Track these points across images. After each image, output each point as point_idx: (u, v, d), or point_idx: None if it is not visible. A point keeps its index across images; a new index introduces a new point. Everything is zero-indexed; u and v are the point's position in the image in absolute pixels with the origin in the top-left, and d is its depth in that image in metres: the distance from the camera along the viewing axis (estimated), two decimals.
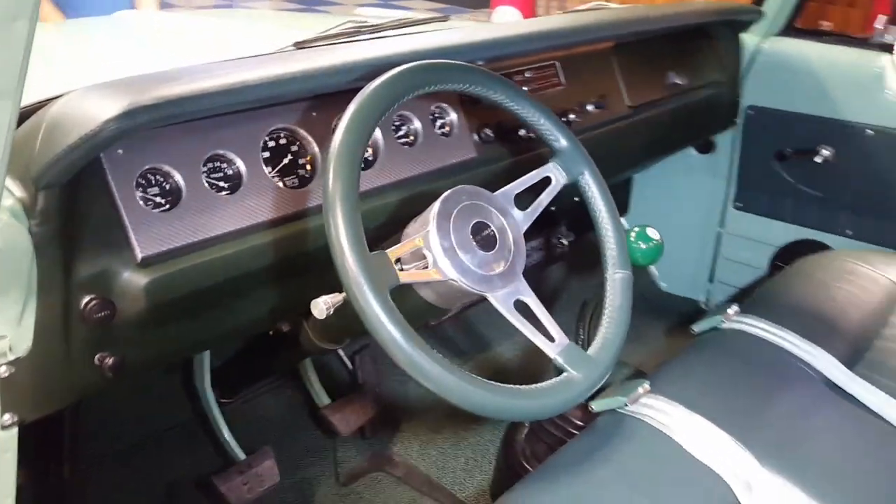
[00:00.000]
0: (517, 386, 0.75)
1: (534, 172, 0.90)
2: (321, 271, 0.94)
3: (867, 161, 1.66)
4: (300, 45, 1.14)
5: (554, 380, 0.79)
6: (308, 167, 0.95)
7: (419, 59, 0.84)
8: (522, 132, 1.17)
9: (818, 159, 1.70)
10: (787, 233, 1.85)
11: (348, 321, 0.75)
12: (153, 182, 0.81)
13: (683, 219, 2.02)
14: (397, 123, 1.07)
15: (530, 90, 1.23)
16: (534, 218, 0.88)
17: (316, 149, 0.95)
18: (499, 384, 0.73)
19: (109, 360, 0.78)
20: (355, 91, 0.79)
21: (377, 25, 1.30)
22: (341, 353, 1.63)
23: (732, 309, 1.35)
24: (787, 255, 1.85)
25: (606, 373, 0.84)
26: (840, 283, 1.46)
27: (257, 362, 1.37)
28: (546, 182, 0.92)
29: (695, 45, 1.67)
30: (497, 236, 0.81)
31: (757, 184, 1.87)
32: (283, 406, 1.62)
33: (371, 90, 0.77)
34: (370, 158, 1.01)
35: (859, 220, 1.72)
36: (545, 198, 0.90)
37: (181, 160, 0.83)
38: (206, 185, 0.85)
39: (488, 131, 1.14)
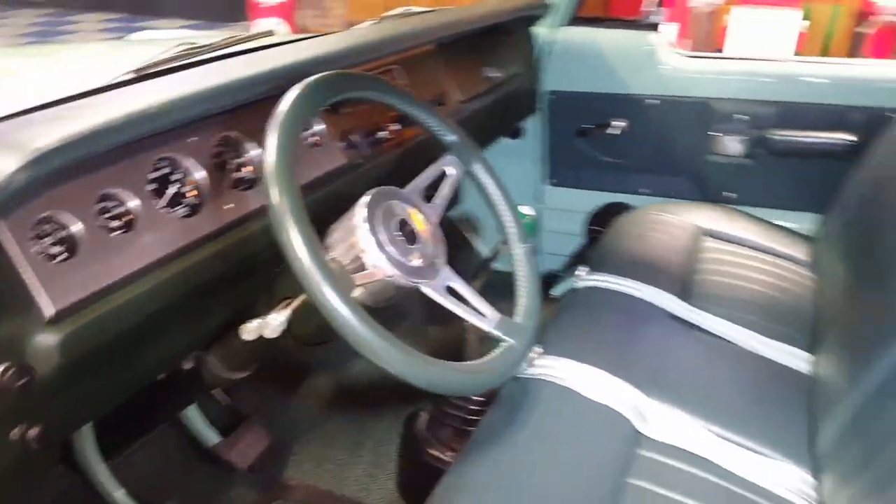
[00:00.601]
0: (473, 362, 0.82)
1: (432, 167, 0.97)
2: (230, 295, 0.92)
3: (654, 127, 1.92)
4: (141, 72, 1.09)
5: (498, 350, 0.87)
6: (195, 193, 0.92)
7: (312, 69, 0.86)
8: (381, 133, 1.22)
9: (615, 131, 1.94)
10: (596, 199, 2.08)
11: (271, 342, 0.76)
12: (47, 232, 0.75)
13: None
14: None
15: None
16: (442, 209, 0.95)
17: (202, 174, 0.93)
18: (461, 363, 0.80)
19: (33, 432, 0.71)
20: (227, 113, 0.79)
21: (210, 45, 1.28)
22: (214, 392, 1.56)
23: (582, 269, 1.52)
24: (599, 218, 2.08)
25: (535, 336, 0.93)
26: (655, 232, 1.69)
27: (142, 412, 1.27)
28: (444, 175, 0.99)
29: (499, 41, 1.82)
30: (418, 230, 0.86)
31: (565, 160, 2.08)
32: (170, 453, 1.52)
33: (292, 101, 0.79)
34: (251, 178, 1.00)
35: (655, 179, 1.99)
36: (447, 190, 0.98)
37: (72, 205, 0.77)
38: (101, 227, 0.80)
39: (353, 137, 1.17)
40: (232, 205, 0.95)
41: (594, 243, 1.78)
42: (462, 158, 1.01)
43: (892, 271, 1.22)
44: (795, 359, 1.35)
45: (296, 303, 0.82)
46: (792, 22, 4.04)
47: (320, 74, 0.84)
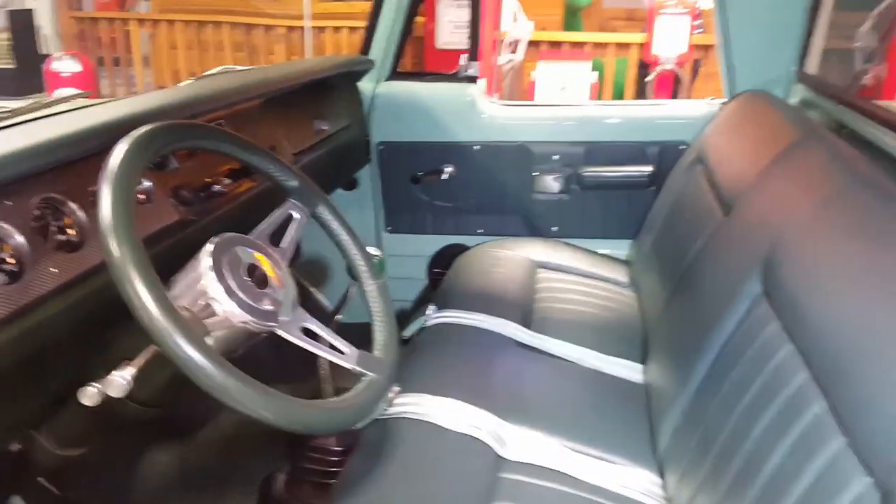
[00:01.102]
0: (337, 398, 0.81)
1: (277, 212, 0.97)
2: (62, 364, 0.85)
3: (480, 170, 2.04)
4: None
5: (361, 384, 0.87)
6: (13, 260, 0.85)
7: (135, 124, 0.83)
8: (216, 187, 1.20)
9: (445, 177, 2.03)
10: (435, 243, 2.16)
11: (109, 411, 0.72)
12: None
13: None
14: (91, 199, 1.01)
15: None
16: (291, 252, 0.95)
17: (20, 239, 0.85)
18: (328, 401, 0.79)
19: None
20: (49, 173, 0.76)
21: (17, 109, 1.20)
22: (42, 480, 1.40)
23: (430, 308, 1.57)
24: (439, 261, 2.16)
25: (396, 368, 0.94)
26: (494, 268, 1.78)
27: None
28: (290, 219, 0.99)
29: (328, 95, 1.85)
30: (268, 274, 0.85)
31: (400, 207, 2.14)
32: None
33: (125, 150, 0.76)
34: (76, 240, 0.94)
35: (488, 219, 2.10)
36: (294, 233, 0.97)
37: None
38: None
39: (184, 193, 1.14)
40: (56, 270, 0.88)
41: (438, 285, 1.83)
42: (305, 202, 1.02)
43: (694, 281, 1.38)
44: (631, 371, 1.47)
45: (141, 358, 0.77)
46: (585, 73, 4.49)
47: (154, 124, 0.82)
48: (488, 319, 1.52)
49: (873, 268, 0.81)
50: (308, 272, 2.14)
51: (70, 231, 0.93)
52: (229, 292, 0.79)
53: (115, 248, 0.70)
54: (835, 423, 0.73)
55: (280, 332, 0.83)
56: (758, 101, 1.67)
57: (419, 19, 4.32)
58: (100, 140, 0.92)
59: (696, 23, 4.40)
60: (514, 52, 4.39)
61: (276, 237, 0.96)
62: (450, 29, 4.16)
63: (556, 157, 1.99)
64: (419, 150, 2.03)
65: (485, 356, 1.41)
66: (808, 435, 0.76)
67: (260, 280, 0.85)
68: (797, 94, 1.76)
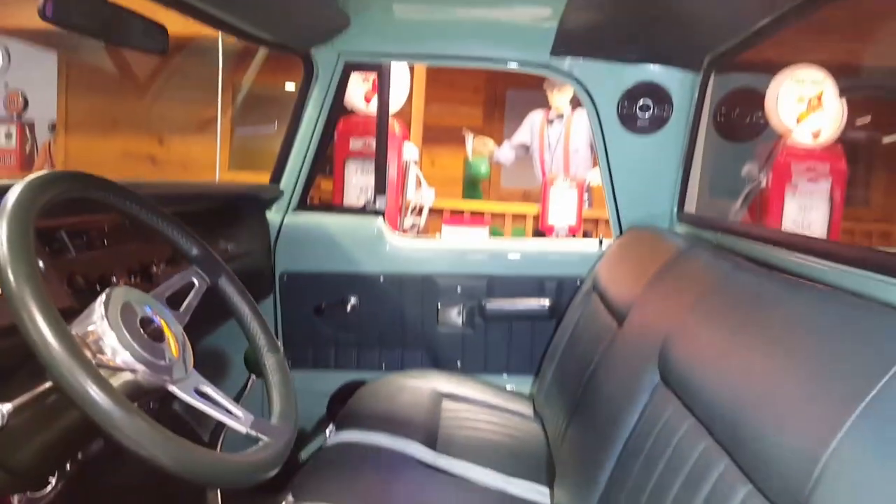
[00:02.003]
0: (238, 453, 0.75)
1: (177, 276, 0.94)
2: None
3: (384, 302, 2.04)
4: None
5: (257, 446, 0.81)
6: None
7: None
8: (114, 279, 1.15)
9: (348, 308, 2.02)
10: (336, 379, 2.09)
11: None
12: None
13: None
14: None
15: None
16: (188, 316, 0.91)
17: None
18: (225, 454, 0.73)
19: None
20: None
21: None
22: None
23: (329, 429, 1.49)
24: (340, 398, 2.07)
25: (293, 435, 0.88)
26: (399, 394, 1.74)
27: None
28: (191, 286, 0.96)
29: (236, 221, 1.85)
30: (163, 330, 0.81)
31: (301, 341, 2.08)
32: None
33: (21, 188, 0.74)
34: None
35: (389, 353, 2.07)
36: (193, 299, 0.95)
37: None
38: None
39: (79, 279, 1.08)
40: None
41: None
42: (208, 271, 1.00)
43: (595, 390, 1.39)
44: (537, 493, 1.42)
45: (23, 398, 0.71)
46: (482, 238, 4.72)
47: (59, 170, 0.81)
48: (391, 439, 1.46)
49: (748, 342, 0.90)
50: (205, 367, 2.01)
51: None
52: (123, 341, 0.76)
53: (12, 278, 0.67)
54: (740, 473, 0.75)
55: (173, 390, 0.79)
56: (643, 234, 1.81)
57: (326, 186, 4.49)
58: None
59: (585, 197, 4.78)
60: (418, 215, 4.59)
61: (173, 303, 0.92)
62: (356, 193, 4.33)
63: (459, 290, 2.03)
64: (323, 280, 2.03)
65: (386, 474, 1.34)
66: (717, 489, 0.77)
67: (154, 335, 0.81)
68: (680, 230, 1.92)
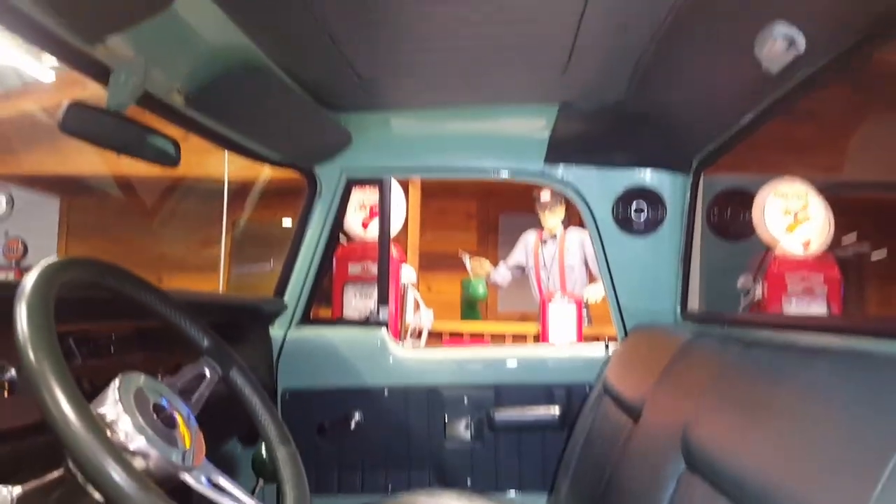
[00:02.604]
0: None
1: (189, 367, 0.94)
2: None
3: (389, 417, 1.98)
4: None
5: None
6: None
7: None
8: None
9: (352, 425, 1.96)
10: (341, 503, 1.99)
11: None
12: None
13: None
14: None
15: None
16: (199, 407, 0.91)
17: None
18: None
19: None
20: None
21: None
22: None
23: None
24: None
25: None
26: None
27: None
28: (202, 377, 0.97)
29: (238, 334, 1.84)
30: (176, 417, 0.79)
31: (303, 464, 2.00)
32: None
33: (43, 269, 0.75)
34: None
35: (396, 474, 1.99)
36: (205, 390, 0.95)
37: None
38: None
39: (87, 384, 1.06)
40: None
41: None
42: (219, 362, 0.99)
43: (617, 489, 1.33)
44: None
45: (33, 483, 0.68)
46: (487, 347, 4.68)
47: (76, 256, 0.82)
48: None
49: (769, 417, 0.90)
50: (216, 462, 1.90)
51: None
52: (136, 425, 0.76)
53: (32, 355, 0.67)
54: None
55: (186, 478, 0.77)
56: (648, 333, 1.79)
57: (325, 313, 4.48)
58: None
59: (584, 314, 4.78)
60: (417, 337, 4.55)
61: (185, 396, 0.91)
62: (355, 317, 4.33)
63: (466, 401, 1.98)
64: (326, 397, 1.98)
65: None
66: None
67: (166, 422, 0.81)
68: (684, 331, 1.91)
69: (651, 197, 1.97)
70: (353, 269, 4.00)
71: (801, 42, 1.19)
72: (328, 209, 2.00)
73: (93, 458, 0.64)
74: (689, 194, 1.96)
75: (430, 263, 6.35)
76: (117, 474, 0.64)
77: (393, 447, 1.99)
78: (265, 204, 6.32)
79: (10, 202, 7.39)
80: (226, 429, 1.69)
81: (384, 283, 2.10)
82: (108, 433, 0.74)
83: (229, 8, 1.26)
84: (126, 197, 6.79)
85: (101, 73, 1.25)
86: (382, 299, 2.06)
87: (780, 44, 1.23)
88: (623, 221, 1.97)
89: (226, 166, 4.88)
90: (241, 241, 6.76)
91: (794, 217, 4.00)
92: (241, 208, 6.23)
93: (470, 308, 5.12)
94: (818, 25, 1.13)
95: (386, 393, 1.98)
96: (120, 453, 0.66)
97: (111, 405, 0.76)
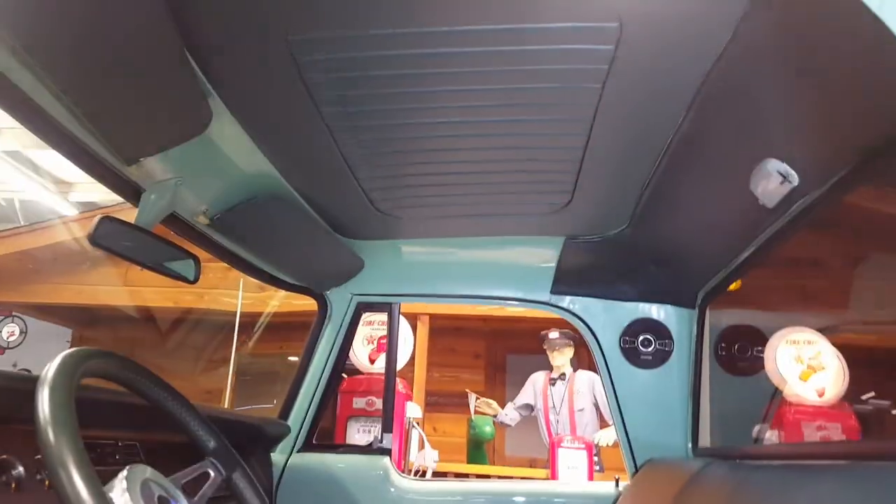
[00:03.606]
0: None
1: (194, 467, 0.94)
2: None
3: None
4: None
5: None
6: None
7: None
8: None
9: None
10: None
11: None
12: None
13: None
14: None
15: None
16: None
17: None
18: None
19: None
20: None
21: None
22: None
23: None
24: None
25: None
26: None
27: None
28: (206, 476, 0.98)
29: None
30: None
31: None
32: None
33: (65, 357, 0.78)
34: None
35: None
36: (208, 490, 0.95)
37: None
38: None
39: None
40: None
41: None
42: (223, 464, 0.98)
43: None
44: None
45: None
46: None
47: (94, 348, 0.84)
48: None
49: None
50: None
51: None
52: None
53: (52, 437, 0.70)
54: None
55: None
56: (659, 467, 1.75)
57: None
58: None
59: (595, 459, 4.63)
60: (421, 477, 4.40)
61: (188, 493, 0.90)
62: (358, 433, 4.23)
63: None
64: None
65: None
66: None
67: None
68: (695, 462, 1.86)
69: (658, 330, 1.99)
70: (358, 402, 3.95)
71: (794, 175, 1.25)
72: (337, 332, 2.03)
73: None
74: (695, 328, 1.98)
75: (437, 403, 6.25)
76: None
77: None
78: (268, 337, 6.35)
79: (24, 331, 7.46)
80: None
81: (389, 409, 2.08)
82: None
83: (259, 137, 1.36)
84: (137, 328, 6.85)
85: (132, 193, 1.33)
86: (387, 427, 2.03)
87: (773, 178, 1.30)
88: (630, 353, 1.98)
89: (239, 297, 4.97)
90: (244, 377, 6.73)
91: (806, 365, 3.97)
92: (245, 339, 6.26)
93: (476, 450, 4.98)
94: (809, 159, 1.20)
95: None
96: None
97: (118, 493, 0.77)
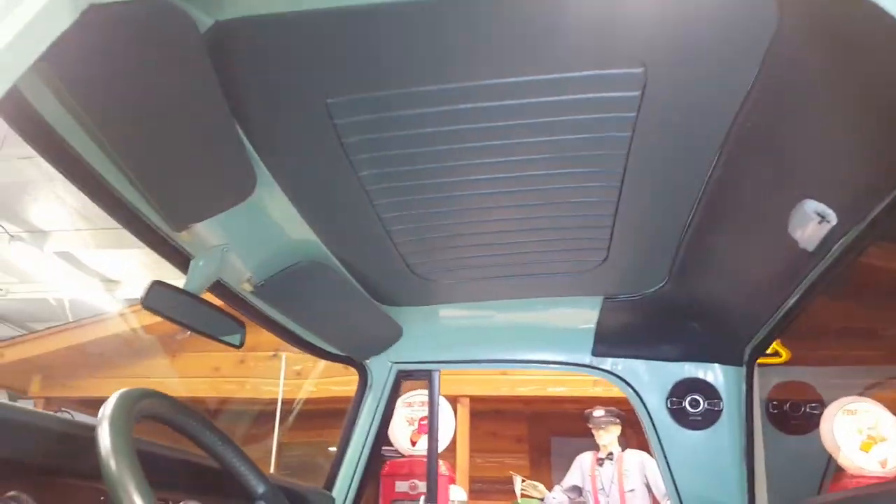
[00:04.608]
0: None
1: None
2: None
3: None
4: None
5: None
6: None
7: None
8: None
9: None
10: None
11: None
12: None
13: None
14: None
15: None
16: None
17: None
18: None
19: None
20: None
21: None
22: None
23: None
24: None
25: None
26: None
27: None
28: None
29: None
30: None
31: None
32: None
33: (122, 394, 0.80)
34: None
35: None
36: None
37: None
38: None
39: None
40: None
41: None
42: None
43: None
44: None
45: None
46: None
47: (149, 389, 0.87)
48: None
49: None
50: None
51: None
52: None
53: (114, 465, 0.73)
54: None
55: None
56: None
57: None
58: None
59: None
60: None
61: None
62: None
63: None
64: None
65: None
66: None
67: None
68: None
69: (706, 389, 1.94)
70: (400, 486, 3.87)
71: (832, 214, 1.24)
72: (378, 400, 2.02)
73: None
74: (744, 386, 1.92)
75: (480, 490, 6.06)
76: None
77: None
78: (306, 425, 6.30)
79: None
80: None
81: (433, 484, 2.04)
82: None
83: (300, 202, 1.42)
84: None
85: (181, 260, 1.38)
86: (431, 500, 1.99)
87: (812, 220, 1.29)
88: (678, 414, 1.93)
89: (281, 380, 4.99)
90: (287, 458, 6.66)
91: (866, 435, 3.81)
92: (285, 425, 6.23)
93: None
94: (845, 195, 1.20)
95: None
96: None
97: None
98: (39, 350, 6.74)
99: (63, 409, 6.96)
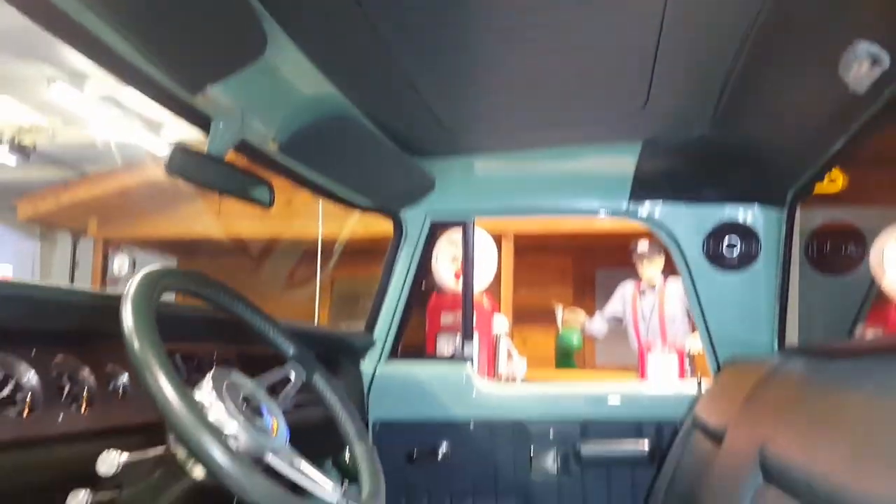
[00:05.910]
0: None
1: (275, 370, 1.03)
2: None
3: (475, 450, 1.98)
4: None
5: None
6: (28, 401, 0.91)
7: None
8: None
9: (439, 457, 1.97)
10: None
11: None
12: None
13: None
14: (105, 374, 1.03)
15: None
16: (286, 405, 1.02)
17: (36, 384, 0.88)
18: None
19: None
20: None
21: None
22: None
23: None
24: None
25: None
26: None
27: None
28: (288, 379, 1.08)
29: (332, 368, 1.89)
30: (263, 407, 0.91)
31: (394, 491, 2.01)
32: None
33: (149, 272, 0.85)
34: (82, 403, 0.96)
35: None
36: (290, 390, 1.06)
37: None
38: None
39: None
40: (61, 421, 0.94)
41: None
42: (304, 366, 1.09)
43: None
44: None
45: (138, 454, 0.81)
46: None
47: (173, 267, 0.92)
48: None
49: (844, 423, 0.89)
50: None
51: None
52: (230, 411, 0.85)
53: (137, 346, 0.77)
54: None
55: (271, 459, 0.85)
56: (741, 366, 1.72)
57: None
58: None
59: (686, 365, 4.60)
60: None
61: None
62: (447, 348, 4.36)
63: (552, 435, 1.96)
64: (415, 428, 2.01)
65: None
66: None
67: (254, 411, 0.90)
68: (778, 358, 1.82)
69: (744, 232, 1.91)
70: (445, 319, 4.05)
71: (885, 58, 1.15)
72: (413, 251, 2.07)
73: (193, 436, 0.73)
74: (784, 228, 1.89)
75: (525, 318, 6.30)
76: (216, 450, 0.73)
77: (479, 479, 1.99)
78: (349, 261, 6.55)
79: (133, 265, 7.99)
80: (321, 451, 1.74)
81: (468, 320, 2.12)
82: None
83: (317, 59, 1.36)
84: (234, 258, 7.21)
85: (202, 122, 1.37)
86: (467, 335, 2.08)
87: (864, 62, 1.20)
88: (715, 257, 1.92)
89: (320, 218, 5.12)
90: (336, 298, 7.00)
91: None
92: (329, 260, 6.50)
93: (565, 357, 5.04)
94: None
95: (472, 426, 1.99)
96: (219, 432, 0.75)
97: (206, 393, 0.85)
98: (94, 193, 7.02)
99: (123, 246, 7.36)
